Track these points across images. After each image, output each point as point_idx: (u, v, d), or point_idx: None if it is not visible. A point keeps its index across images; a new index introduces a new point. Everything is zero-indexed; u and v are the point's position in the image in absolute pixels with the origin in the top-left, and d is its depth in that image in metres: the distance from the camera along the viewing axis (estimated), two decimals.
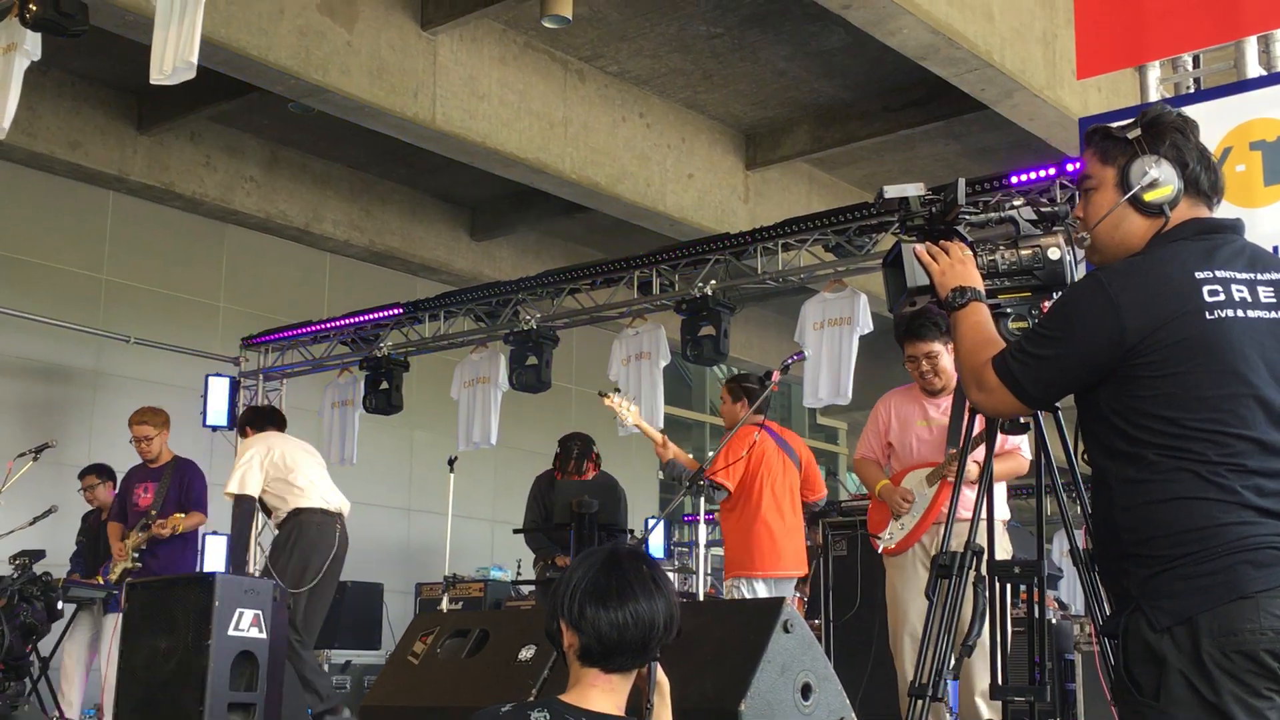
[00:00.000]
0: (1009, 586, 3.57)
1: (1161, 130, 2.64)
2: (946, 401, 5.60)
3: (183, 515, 8.15)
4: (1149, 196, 2.60)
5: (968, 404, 3.92)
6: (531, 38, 9.91)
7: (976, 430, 3.96)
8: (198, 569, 7.81)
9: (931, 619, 3.45)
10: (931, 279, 3.02)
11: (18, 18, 6.67)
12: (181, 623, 5.13)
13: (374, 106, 9.00)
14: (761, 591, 6.62)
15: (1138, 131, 2.65)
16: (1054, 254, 3.11)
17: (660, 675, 2.61)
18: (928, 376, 5.60)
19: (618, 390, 7.43)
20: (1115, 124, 2.72)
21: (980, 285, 2.93)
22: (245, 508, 7.32)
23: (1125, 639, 2.42)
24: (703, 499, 6.62)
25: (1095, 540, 2.63)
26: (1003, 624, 3.53)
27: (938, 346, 5.53)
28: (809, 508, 7.24)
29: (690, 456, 6.85)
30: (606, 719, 2.46)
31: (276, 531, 7.42)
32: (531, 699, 2.50)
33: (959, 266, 2.96)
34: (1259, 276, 2.49)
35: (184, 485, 8.18)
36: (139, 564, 8.11)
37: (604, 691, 2.47)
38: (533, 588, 8.31)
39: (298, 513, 7.28)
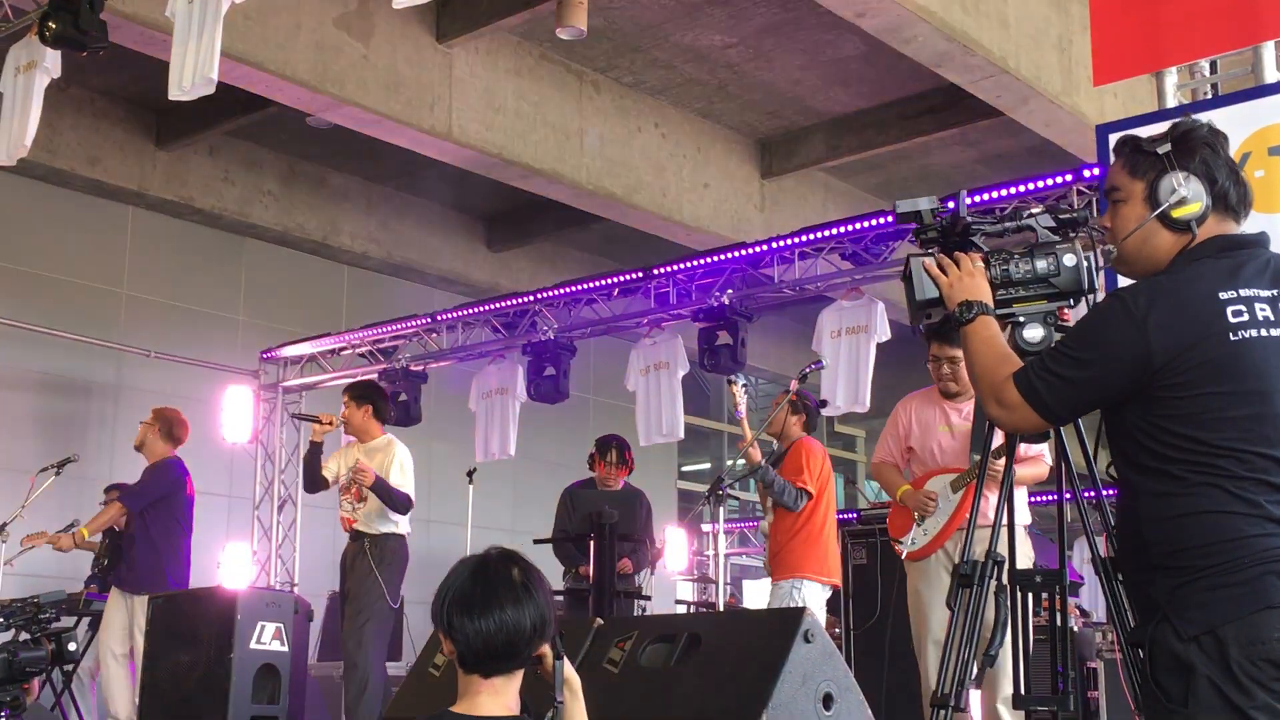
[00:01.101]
0: (1030, 595, 3.55)
1: (1192, 146, 2.64)
2: (968, 407, 5.60)
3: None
4: (1177, 214, 2.61)
5: None
6: (547, 49, 9.94)
7: (999, 441, 3.95)
8: (174, 580, 7.60)
9: (953, 628, 3.44)
10: (941, 292, 3.02)
11: (37, 36, 6.72)
12: (204, 636, 5.15)
13: (391, 120, 9.03)
14: (819, 595, 6.87)
15: (1168, 146, 2.65)
16: (1069, 260, 3.10)
17: (569, 672, 2.68)
18: (946, 380, 5.61)
19: (743, 384, 7.65)
20: (1146, 136, 2.73)
21: (989, 299, 2.94)
22: None
23: (1152, 648, 2.44)
24: (722, 507, 6.66)
25: (1120, 551, 2.65)
26: (1025, 632, 3.52)
27: (962, 353, 5.53)
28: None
29: (759, 460, 7.16)
30: None
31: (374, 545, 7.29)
32: (441, 711, 2.54)
33: (967, 280, 2.96)
34: None
35: (140, 479, 8.03)
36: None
37: (490, 696, 2.53)
38: (559, 598, 8.32)
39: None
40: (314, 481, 7.47)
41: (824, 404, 7.03)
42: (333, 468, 7.48)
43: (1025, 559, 3.49)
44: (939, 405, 5.72)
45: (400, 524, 7.35)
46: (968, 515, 5.35)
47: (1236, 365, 2.44)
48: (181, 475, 8.00)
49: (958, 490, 5.54)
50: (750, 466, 7.11)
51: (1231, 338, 2.45)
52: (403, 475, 7.31)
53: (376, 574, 7.12)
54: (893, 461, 5.87)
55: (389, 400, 8.34)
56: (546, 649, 2.62)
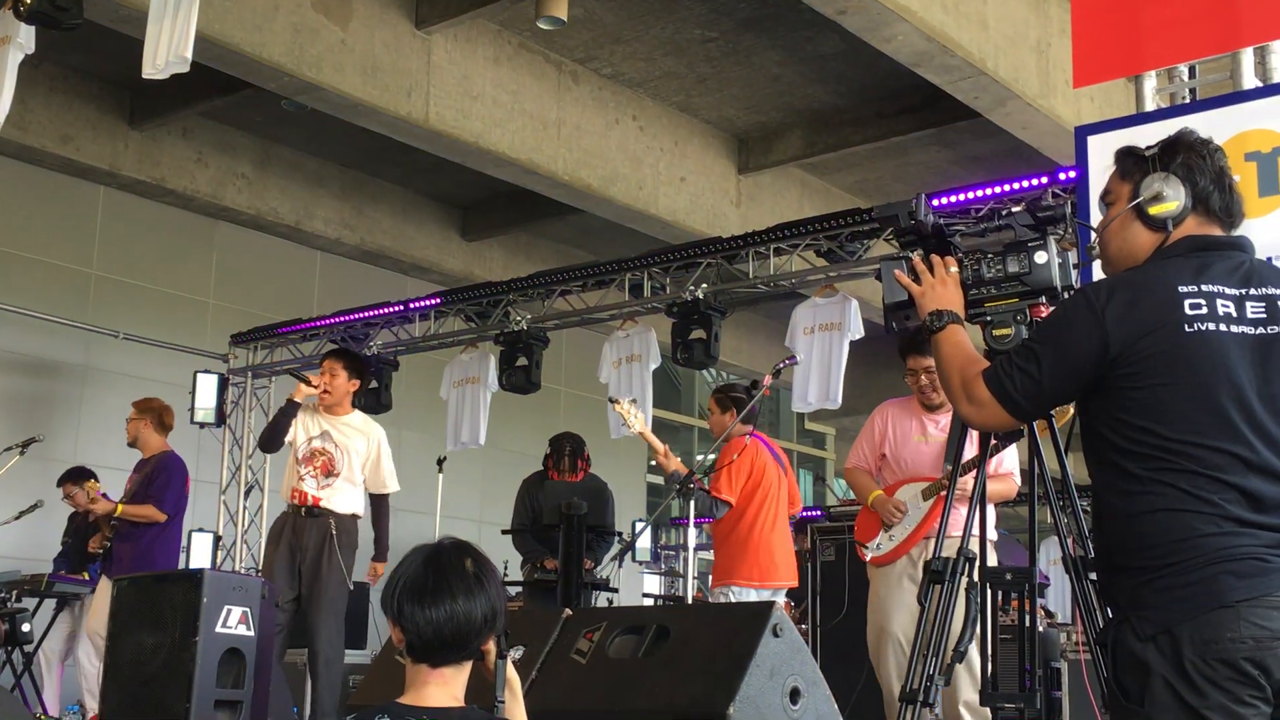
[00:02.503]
0: (1000, 593, 3.57)
1: (1175, 149, 2.70)
2: (945, 418, 5.62)
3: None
4: (1153, 210, 2.66)
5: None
6: (526, 39, 9.91)
7: (973, 452, 3.97)
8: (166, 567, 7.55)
9: (923, 624, 3.45)
10: (912, 299, 3.06)
11: (11, 10, 6.65)
12: (169, 619, 5.10)
13: (367, 105, 8.99)
14: (752, 599, 6.63)
15: (1155, 150, 2.72)
16: (1041, 258, 3.13)
17: (510, 673, 2.71)
18: (927, 391, 5.63)
19: (632, 401, 7.48)
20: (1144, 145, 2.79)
21: (959, 307, 2.99)
22: None
23: (1114, 648, 2.47)
24: (692, 505, 6.60)
25: (1095, 551, 2.68)
26: (993, 631, 3.53)
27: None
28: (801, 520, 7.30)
29: (688, 469, 6.84)
30: (444, 713, 2.53)
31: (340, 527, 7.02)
32: (380, 704, 2.54)
33: (939, 289, 3.02)
34: (1251, 292, 2.52)
35: (150, 478, 8.01)
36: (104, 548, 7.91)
37: (438, 686, 2.54)
38: (519, 589, 8.29)
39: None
40: (274, 442, 7.15)
41: (754, 385, 6.77)
42: (291, 432, 7.11)
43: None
44: (917, 415, 5.75)
45: (361, 505, 7.13)
46: (935, 524, 5.43)
47: (1190, 357, 2.46)
48: (184, 467, 8.09)
49: (928, 499, 5.57)
50: (670, 478, 6.83)
51: (1186, 329, 2.47)
52: (389, 463, 7.17)
53: (339, 557, 6.81)
54: (865, 467, 5.89)
55: None
56: (491, 645, 2.61)
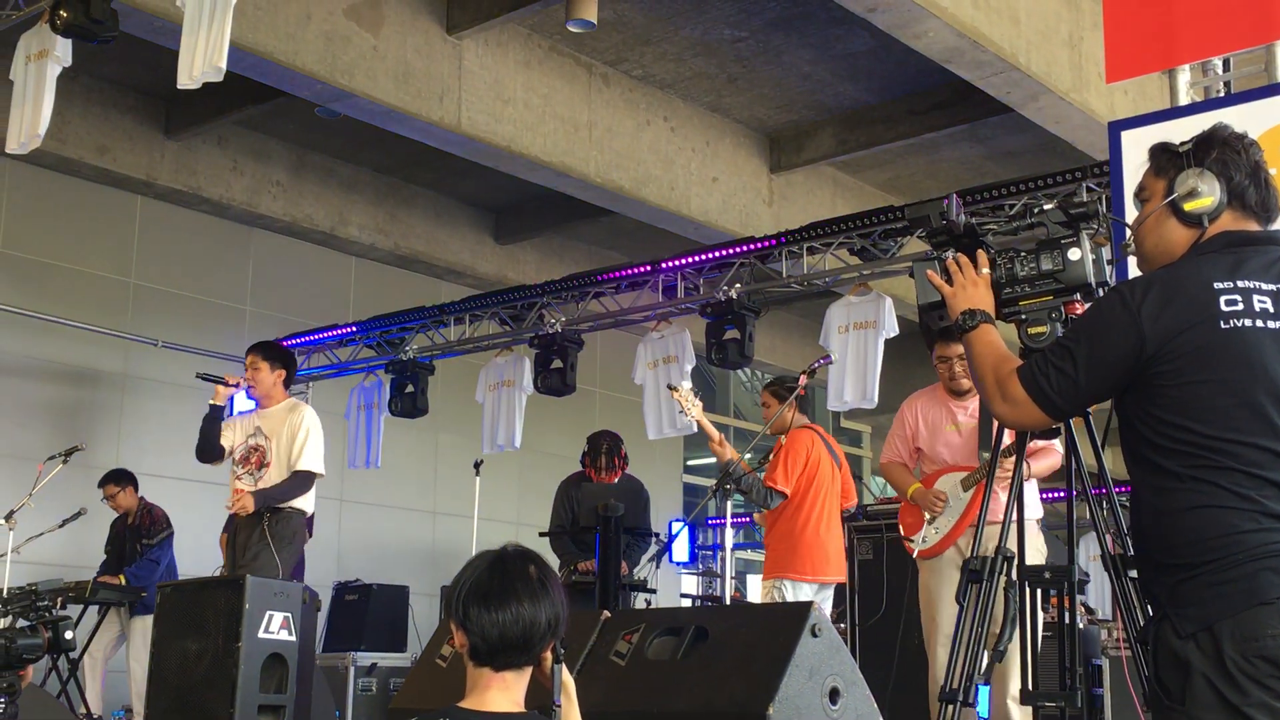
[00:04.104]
0: (1039, 591, 3.56)
1: (1210, 144, 2.68)
2: (973, 404, 5.62)
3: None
4: (1188, 206, 2.64)
5: None
6: (556, 42, 9.94)
7: (1008, 440, 3.96)
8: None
9: (962, 624, 3.45)
10: (943, 299, 3.06)
11: (49, 24, 6.72)
12: (212, 625, 5.16)
13: (400, 111, 9.03)
14: (805, 594, 6.67)
15: (1189, 146, 2.70)
16: (1074, 255, 3.12)
17: (566, 677, 2.74)
18: (958, 378, 5.62)
19: (686, 385, 7.48)
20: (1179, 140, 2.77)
21: (990, 307, 2.99)
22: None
23: (1155, 646, 2.46)
24: (728, 501, 6.61)
25: (1134, 547, 2.67)
26: (1033, 629, 3.53)
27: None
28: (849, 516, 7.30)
29: (744, 458, 6.89)
30: (506, 718, 2.54)
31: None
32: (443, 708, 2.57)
33: (970, 289, 3.02)
34: None
35: None
36: None
37: (499, 691, 2.56)
38: None
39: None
40: (209, 450, 6.87)
41: (795, 379, 6.76)
42: (230, 437, 6.91)
43: (1037, 553, 3.50)
44: (945, 404, 5.74)
45: (305, 500, 6.75)
46: (978, 513, 5.42)
47: (1225, 353, 2.45)
48: None
49: (968, 489, 5.56)
50: (722, 466, 6.84)
51: (1222, 325, 2.45)
52: (311, 441, 6.73)
53: (275, 554, 6.43)
54: (900, 461, 5.88)
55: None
56: (548, 652, 2.64)
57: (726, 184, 11.24)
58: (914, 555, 5.78)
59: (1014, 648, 3.49)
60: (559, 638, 2.63)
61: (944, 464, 5.69)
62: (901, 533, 5.93)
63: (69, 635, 6.86)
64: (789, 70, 10.32)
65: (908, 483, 5.77)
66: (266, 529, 6.50)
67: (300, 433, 6.73)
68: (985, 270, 3.06)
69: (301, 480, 6.69)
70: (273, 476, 6.69)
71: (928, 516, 5.65)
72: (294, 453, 6.73)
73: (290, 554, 6.58)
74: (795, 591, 6.68)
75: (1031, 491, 5.33)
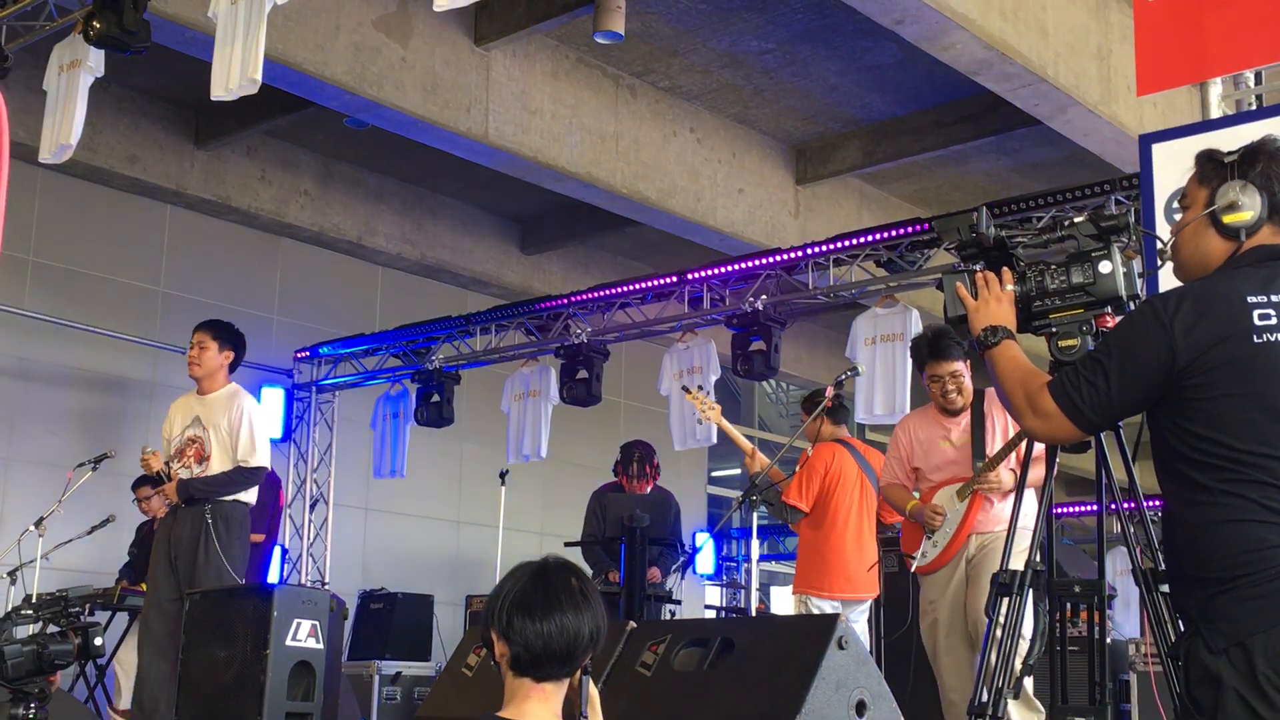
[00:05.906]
0: (1068, 605, 3.55)
1: (1256, 157, 2.67)
2: (965, 418, 5.66)
3: None
4: (1227, 219, 2.62)
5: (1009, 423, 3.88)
6: (583, 53, 9.96)
7: (993, 449, 3.92)
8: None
9: (989, 637, 3.44)
10: (967, 314, 3.06)
11: (82, 35, 6.79)
12: (240, 633, 5.19)
13: (427, 121, 9.07)
14: (828, 611, 6.66)
15: (1235, 156, 2.68)
16: (1105, 268, 3.10)
17: (592, 689, 2.72)
18: (950, 395, 5.65)
19: (701, 388, 7.47)
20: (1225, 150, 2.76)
21: (1012, 323, 2.97)
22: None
23: (1186, 661, 2.44)
24: (754, 512, 6.63)
25: (1165, 562, 2.66)
26: (1061, 643, 3.51)
27: (960, 365, 5.63)
28: (885, 529, 7.26)
29: (776, 468, 6.91)
30: None
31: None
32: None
33: (992, 305, 3.00)
34: None
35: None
36: None
37: (539, 701, 2.56)
38: None
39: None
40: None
41: (839, 385, 6.74)
42: (168, 428, 6.67)
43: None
44: (938, 421, 5.78)
45: (249, 492, 6.45)
46: (977, 521, 5.43)
47: (1257, 367, 2.43)
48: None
49: (963, 499, 5.58)
50: (750, 478, 6.82)
51: (1255, 340, 2.44)
52: (256, 432, 6.38)
53: (218, 549, 6.12)
54: (899, 483, 5.92)
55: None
56: None
57: (752, 195, 11.24)
58: (914, 571, 5.80)
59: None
60: (598, 650, 2.64)
61: (941, 479, 5.72)
62: (902, 550, 5.97)
63: (98, 641, 6.91)
64: (816, 82, 10.32)
65: (907, 501, 5.81)
66: (209, 523, 6.19)
67: (242, 424, 6.37)
68: (1010, 287, 3.05)
69: (245, 476, 6.35)
70: (214, 471, 6.36)
71: (927, 532, 5.67)
72: (238, 445, 6.38)
73: (240, 548, 6.27)
74: (819, 608, 6.69)
75: (1029, 498, 5.33)
